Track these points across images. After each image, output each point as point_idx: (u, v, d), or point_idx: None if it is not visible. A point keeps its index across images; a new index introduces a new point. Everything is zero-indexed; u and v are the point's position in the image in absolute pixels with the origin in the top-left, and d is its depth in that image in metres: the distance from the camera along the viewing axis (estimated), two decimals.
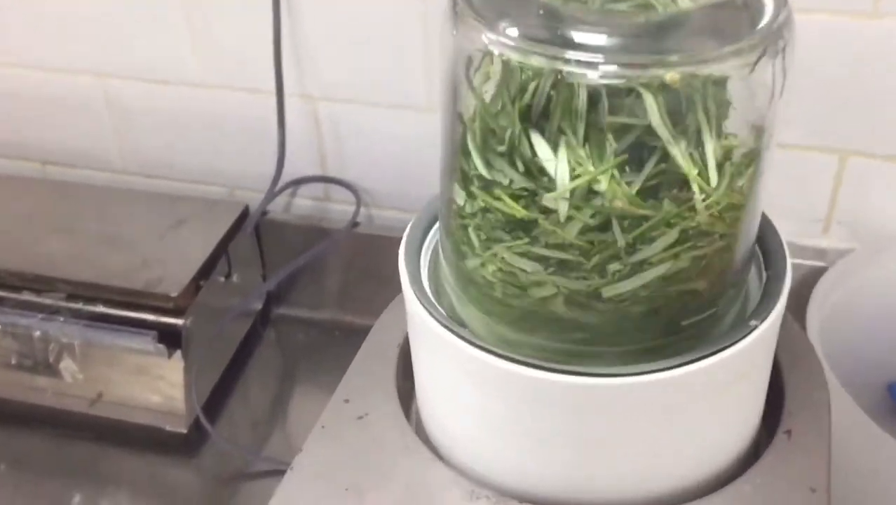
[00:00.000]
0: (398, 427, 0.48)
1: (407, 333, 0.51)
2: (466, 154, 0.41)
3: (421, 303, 0.44)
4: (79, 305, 0.78)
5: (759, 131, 0.40)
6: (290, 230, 0.90)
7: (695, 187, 0.38)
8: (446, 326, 0.42)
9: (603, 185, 0.37)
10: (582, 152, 0.37)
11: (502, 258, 0.41)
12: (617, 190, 0.37)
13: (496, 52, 0.38)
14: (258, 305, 0.90)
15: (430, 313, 0.43)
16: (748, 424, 0.47)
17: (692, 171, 0.38)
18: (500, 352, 0.41)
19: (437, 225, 0.49)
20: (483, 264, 0.42)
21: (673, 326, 0.41)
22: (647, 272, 0.39)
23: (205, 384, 0.81)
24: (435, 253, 0.48)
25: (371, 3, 0.79)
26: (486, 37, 0.38)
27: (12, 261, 0.81)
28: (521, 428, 0.43)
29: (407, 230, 0.48)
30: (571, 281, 0.39)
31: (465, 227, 0.42)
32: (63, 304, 0.78)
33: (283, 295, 0.92)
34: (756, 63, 0.38)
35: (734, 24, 0.39)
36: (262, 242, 0.90)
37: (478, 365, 0.41)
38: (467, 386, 0.43)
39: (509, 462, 0.45)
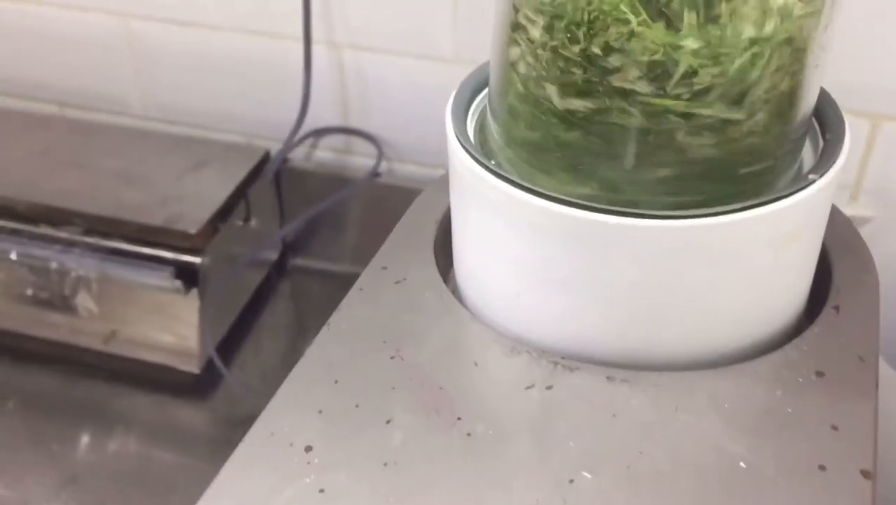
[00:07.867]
0: (436, 290, 0.48)
1: (445, 211, 0.51)
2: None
3: (464, 148, 0.43)
4: (96, 240, 0.77)
5: None
6: (310, 178, 0.89)
7: None
8: (489, 169, 0.42)
9: None
10: None
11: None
12: None
13: None
14: (274, 255, 0.89)
15: (474, 157, 0.43)
16: (798, 290, 0.46)
17: None
18: (546, 193, 0.40)
19: (485, 91, 0.48)
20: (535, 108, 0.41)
21: (731, 174, 0.41)
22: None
23: (218, 328, 0.80)
24: (482, 118, 0.48)
25: None
26: None
27: (27, 193, 0.79)
28: (561, 276, 0.42)
29: (455, 90, 0.48)
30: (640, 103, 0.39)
31: (518, 81, 0.42)
32: (80, 238, 0.77)
33: (300, 245, 0.91)
34: None
35: None
36: (281, 190, 0.89)
37: (524, 208, 0.41)
38: (509, 234, 0.43)
39: (547, 317, 0.44)
